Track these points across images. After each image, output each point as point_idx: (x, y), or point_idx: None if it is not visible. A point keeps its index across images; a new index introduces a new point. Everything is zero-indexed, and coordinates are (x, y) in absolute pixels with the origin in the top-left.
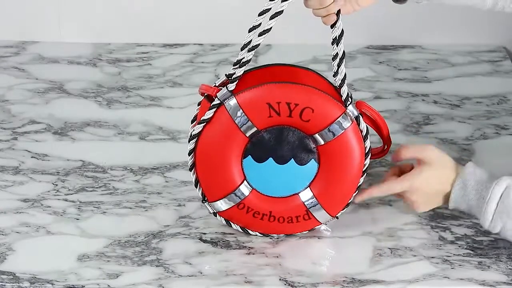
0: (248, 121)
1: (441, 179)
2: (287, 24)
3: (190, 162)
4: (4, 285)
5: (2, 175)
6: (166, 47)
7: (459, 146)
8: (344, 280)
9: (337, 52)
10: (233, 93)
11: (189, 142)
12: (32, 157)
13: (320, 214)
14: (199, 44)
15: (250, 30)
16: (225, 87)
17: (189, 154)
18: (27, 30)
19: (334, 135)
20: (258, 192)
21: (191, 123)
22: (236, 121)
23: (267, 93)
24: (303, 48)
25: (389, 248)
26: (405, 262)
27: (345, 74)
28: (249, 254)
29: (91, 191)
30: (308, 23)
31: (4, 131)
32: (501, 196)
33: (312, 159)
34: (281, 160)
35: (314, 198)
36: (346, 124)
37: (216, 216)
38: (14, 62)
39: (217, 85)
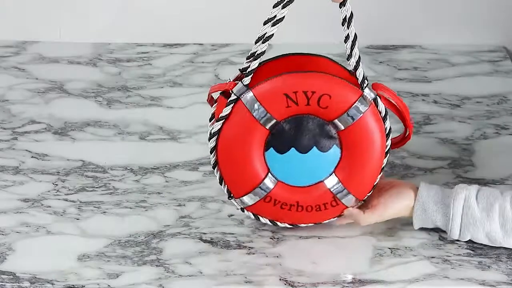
0: (266, 113)
1: (400, 213)
2: (287, 24)
3: (212, 160)
4: (4, 285)
5: (2, 175)
6: (166, 47)
7: (459, 146)
8: (344, 280)
9: (348, 34)
10: (249, 87)
11: (209, 140)
12: (32, 157)
13: (347, 199)
14: (199, 44)
15: (265, 23)
16: (240, 81)
17: (210, 152)
18: (27, 30)
19: (353, 119)
20: (283, 183)
21: (209, 122)
22: (255, 115)
23: (283, 83)
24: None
25: (389, 248)
26: (405, 262)
27: (359, 56)
28: (249, 254)
29: (91, 191)
30: (309, 23)
31: (4, 131)
32: (463, 208)
33: (334, 145)
34: (303, 149)
35: (340, 184)
36: (364, 107)
37: (243, 211)
38: (14, 62)
39: (231, 80)
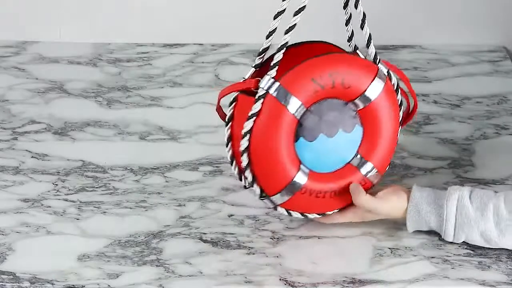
0: (297, 102)
1: (393, 211)
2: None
3: (245, 162)
4: (4, 285)
5: (2, 175)
6: (166, 47)
7: (459, 146)
8: (344, 280)
9: (350, 14)
10: (275, 79)
11: (241, 141)
12: (32, 157)
13: (372, 175)
14: (199, 44)
15: (295, 14)
16: (266, 75)
17: (242, 154)
18: (27, 30)
19: (372, 96)
20: (315, 172)
21: (227, 125)
22: (286, 105)
23: (309, 69)
24: None
25: (389, 248)
26: (405, 262)
27: (370, 34)
28: (249, 254)
29: (91, 191)
30: (309, 23)
31: (4, 131)
32: (456, 208)
33: (356, 125)
34: (331, 132)
35: (366, 161)
36: (382, 82)
37: (276, 209)
38: (14, 62)
39: (246, 78)
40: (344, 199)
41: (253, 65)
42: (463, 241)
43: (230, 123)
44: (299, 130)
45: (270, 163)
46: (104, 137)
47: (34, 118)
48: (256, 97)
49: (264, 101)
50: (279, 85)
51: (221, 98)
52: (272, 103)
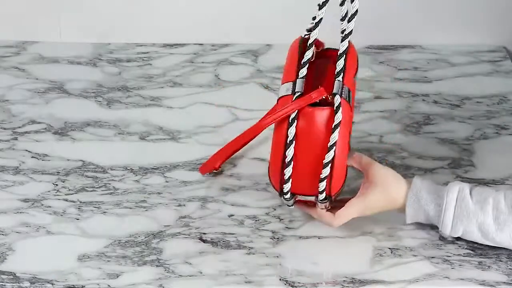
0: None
1: (389, 199)
2: (287, 23)
3: (325, 174)
4: (4, 285)
5: (2, 175)
6: (166, 47)
7: (459, 146)
8: (344, 280)
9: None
10: (344, 84)
11: (327, 154)
12: (32, 157)
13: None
14: (199, 44)
15: (347, 20)
16: (336, 80)
17: (324, 167)
18: (27, 30)
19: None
20: None
21: (288, 146)
22: (350, 104)
23: (352, 69)
24: None
25: (389, 248)
26: (405, 262)
27: (351, 30)
28: (249, 254)
29: (91, 191)
30: (309, 23)
31: (4, 131)
32: (456, 200)
33: None
34: None
35: None
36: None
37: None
38: (14, 62)
39: (298, 93)
40: None
41: (303, 61)
42: (463, 241)
43: (294, 143)
44: None
45: (344, 171)
46: (104, 137)
47: (34, 118)
48: (335, 106)
49: (342, 109)
50: (348, 90)
51: (285, 116)
52: (345, 107)
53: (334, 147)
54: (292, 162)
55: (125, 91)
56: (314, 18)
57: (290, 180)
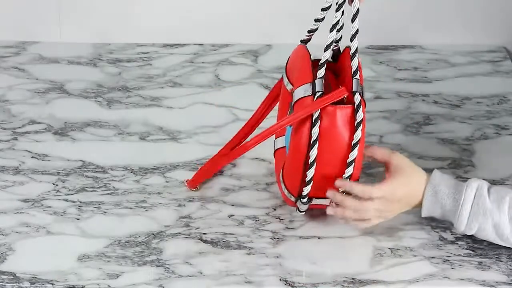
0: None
1: (409, 189)
2: (287, 24)
3: (348, 174)
4: (4, 285)
5: (2, 175)
6: (166, 47)
7: (459, 146)
8: (344, 280)
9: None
10: (361, 84)
11: (351, 152)
12: (32, 157)
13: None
14: (199, 44)
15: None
16: (353, 79)
17: (348, 166)
18: (27, 30)
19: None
20: None
21: (312, 145)
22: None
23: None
24: None
25: (389, 248)
26: (405, 262)
27: (357, 29)
28: (249, 254)
29: (91, 191)
30: (309, 23)
31: (4, 131)
32: (474, 197)
33: None
34: None
35: None
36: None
37: None
38: (14, 62)
39: (319, 92)
40: None
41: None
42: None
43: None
44: None
45: (360, 169)
46: (104, 137)
47: (34, 118)
48: (356, 104)
49: (363, 108)
50: (362, 87)
51: (310, 113)
52: (363, 106)
53: (358, 145)
54: (315, 163)
55: (125, 91)
56: (317, 20)
57: (311, 182)
